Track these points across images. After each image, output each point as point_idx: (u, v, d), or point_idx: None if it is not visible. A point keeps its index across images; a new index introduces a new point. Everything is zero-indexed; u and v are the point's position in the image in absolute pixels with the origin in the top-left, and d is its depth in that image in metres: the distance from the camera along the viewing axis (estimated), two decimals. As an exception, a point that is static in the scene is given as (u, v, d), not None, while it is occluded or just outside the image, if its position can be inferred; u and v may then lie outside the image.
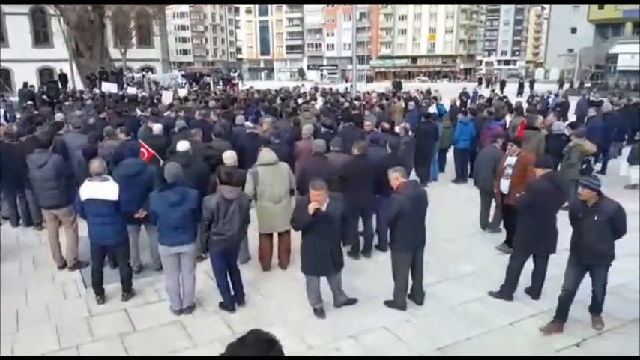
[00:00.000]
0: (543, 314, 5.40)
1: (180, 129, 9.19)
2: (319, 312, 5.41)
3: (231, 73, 44.51)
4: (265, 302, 5.79)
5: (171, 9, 65.28)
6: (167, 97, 20.24)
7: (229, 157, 6.62)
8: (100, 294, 5.77)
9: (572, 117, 16.80)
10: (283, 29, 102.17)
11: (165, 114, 12.68)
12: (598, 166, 11.89)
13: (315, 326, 5.23)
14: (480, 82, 43.96)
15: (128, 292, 5.85)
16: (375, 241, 7.32)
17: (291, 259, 6.67)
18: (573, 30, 55.32)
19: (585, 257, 4.94)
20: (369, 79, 69.28)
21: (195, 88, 30.22)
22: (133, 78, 32.08)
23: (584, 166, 8.92)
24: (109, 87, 25.46)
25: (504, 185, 7.16)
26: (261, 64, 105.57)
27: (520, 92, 35.77)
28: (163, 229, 5.22)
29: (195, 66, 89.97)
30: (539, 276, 5.75)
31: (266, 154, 6.49)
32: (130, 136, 8.26)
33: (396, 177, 5.41)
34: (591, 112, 12.43)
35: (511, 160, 7.12)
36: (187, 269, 5.42)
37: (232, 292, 5.58)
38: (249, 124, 10.55)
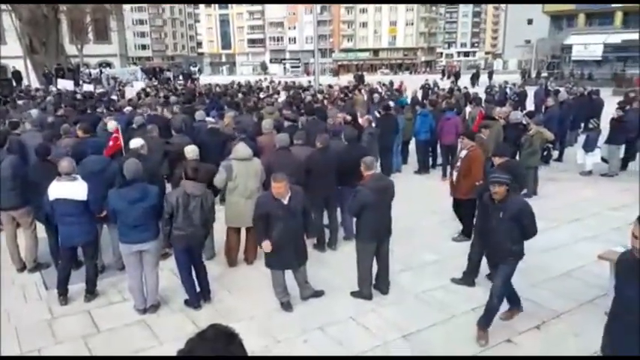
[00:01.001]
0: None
1: (139, 125, 8.99)
2: (286, 305, 5.41)
3: (192, 68, 43.83)
4: (232, 298, 5.76)
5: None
6: (130, 93, 19.80)
7: (191, 151, 6.55)
8: (64, 294, 5.63)
9: (530, 106, 17.28)
10: (244, 23, 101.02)
11: (125, 110, 12.41)
12: (555, 154, 12.32)
13: (282, 320, 5.24)
14: (443, 74, 44.70)
15: (91, 293, 5.72)
16: (342, 232, 7.38)
17: (258, 254, 6.65)
18: (529, 21, 56.80)
19: (491, 255, 4.93)
20: (335, 73, 69.25)
21: (154, 83, 29.60)
22: (89, 74, 31.17)
23: (544, 153, 9.27)
24: (65, 84, 24.65)
25: (454, 177, 7.30)
26: (223, 58, 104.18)
27: (474, 83, 36.46)
28: (124, 227, 5.12)
29: (154, 61, 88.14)
30: (499, 261, 5.90)
31: (241, 149, 6.43)
32: (89, 134, 8.04)
33: (363, 168, 5.50)
34: (549, 101, 12.81)
35: (462, 154, 7.20)
36: (150, 267, 5.33)
37: (198, 289, 5.53)
38: (210, 119, 10.41)
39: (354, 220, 5.83)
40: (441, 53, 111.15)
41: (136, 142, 6.78)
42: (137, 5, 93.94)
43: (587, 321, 5.06)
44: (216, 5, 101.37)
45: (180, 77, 37.82)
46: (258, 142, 8.08)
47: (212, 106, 14.14)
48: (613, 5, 48.07)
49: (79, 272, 5.81)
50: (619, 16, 48.90)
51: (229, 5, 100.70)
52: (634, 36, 36.04)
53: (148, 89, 21.60)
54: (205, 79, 46.27)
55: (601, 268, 5.46)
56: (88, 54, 38.07)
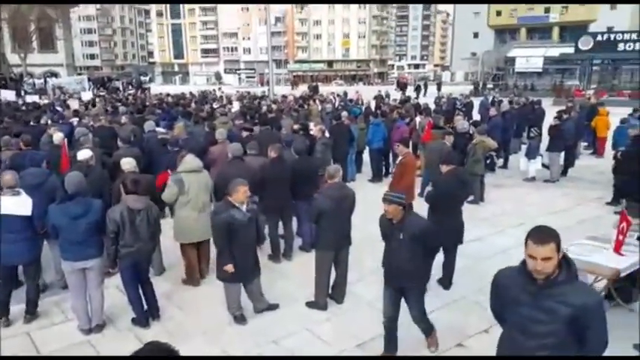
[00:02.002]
0: (454, 303, 5.70)
1: (81, 136, 8.67)
2: (240, 319, 5.30)
3: (142, 77, 42.90)
4: (182, 314, 5.60)
5: (75, 11, 61.59)
6: (75, 104, 19.14)
7: (127, 162, 6.34)
8: (6, 315, 5.31)
9: (476, 116, 17.89)
10: (197, 32, 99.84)
11: (70, 121, 11.98)
12: (500, 162, 12.79)
13: (235, 334, 5.13)
14: (398, 85, 45.74)
15: (32, 314, 5.41)
16: (297, 242, 7.35)
17: (211, 268, 6.51)
18: (475, 35, 59.02)
19: (393, 279, 4.50)
20: (294, 84, 69.10)
21: (102, 93, 28.76)
22: (33, 84, 29.93)
23: (487, 161, 9.60)
24: (6, 94, 23.58)
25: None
26: (176, 68, 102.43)
27: (418, 95, 37.10)
28: (66, 244, 4.89)
29: (103, 70, 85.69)
30: (449, 267, 6.05)
31: (190, 161, 6.26)
32: (31, 146, 7.70)
33: (327, 176, 5.55)
34: (492, 111, 13.32)
35: (398, 160, 7.44)
36: (94, 285, 5.11)
37: (145, 307, 5.34)
38: (160, 129, 10.19)
39: (314, 229, 5.82)
40: (393, 65, 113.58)
41: (84, 154, 6.54)
42: (85, 14, 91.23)
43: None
44: (169, 15, 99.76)
45: (130, 87, 36.90)
46: (210, 153, 7.96)
47: (163, 116, 13.87)
48: (551, 21, 50.85)
49: (18, 292, 5.49)
50: (556, 31, 51.74)
51: (181, 15, 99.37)
52: (570, 50, 38.05)
53: (96, 99, 20.93)
54: (157, 88, 45.38)
55: (545, 271, 5.65)
56: (33, 63, 36.64)
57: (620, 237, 5.19)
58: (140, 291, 5.28)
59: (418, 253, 4.32)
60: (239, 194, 4.97)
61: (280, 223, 7.14)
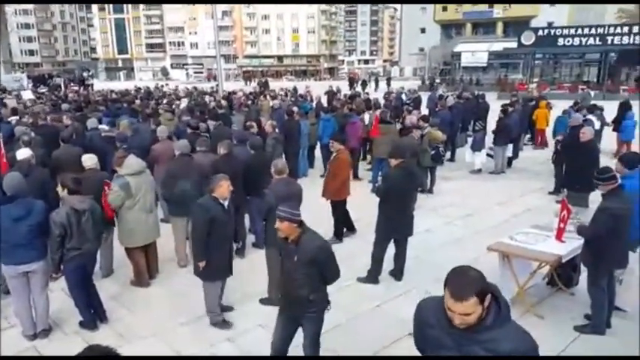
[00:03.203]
0: (406, 293, 5.82)
1: (21, 135, 8.26)
2: (222, 324, 5.10)
3: (84, 74, 41.27)
4: (132, 316, 5.45)
5: (10, 6, 58.15)
6: (12, 102, 18.14)
7: (89, 159, 6.12)
8: None
9: (424, 111, 18.27)
10: (142, 27, 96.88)
11: (9, 119, 11.36)
12: (448, 155, 13.14)
13: (187, 334, 5.05)
14: (349, 81, 46.09)
15: (-31, 322, 5.13)
16: (252, 239, 7.30)
17: (160, 267, 6.38)
18: (423, 30, 60.29)
19: (287, 306, 4.02)
20: (248, 79, 67.35)
21: (43, 91, 27.44)
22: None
23: (433, 152, 9.83)
24: None
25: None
26: (120, 64, 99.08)
27: (364, 89, 37.30)
28: (7, 247, 4.64)
29: (44, 67, 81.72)
30: (400, 258, 6.17)
31: (134, 162, 6.02)
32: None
33: (273, 171, 5.51)
34: (439, 105, 13.66)
35: (332, 157, 7.35)
36: (39, 289, 4.89)
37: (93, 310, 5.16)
38: (104, 126, 9.84)
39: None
40: (343, 60, 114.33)
41: (23, 153, 6.31)
42: (22, 8, 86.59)
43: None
44: (111, 9, 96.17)
45: (72, 84, 35.39)
46: (152, 151, 7.75)
47: (106, 113, 13.40)
48: (495, 16, 52.65)
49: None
50: (500, 27, 53.59)
51: (124, 9, 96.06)
52: (513, 44, 39.53)
53: (36, 97, 19.93)
54: (101, 85, 43.77)
55: (490, 259, 5.86)
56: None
57: (562, 225, 5.45)
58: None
59: (315, 278, 3.79)
60: (222, 189, 4.84)
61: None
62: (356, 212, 7.97)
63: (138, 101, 17.16)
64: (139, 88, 26.24)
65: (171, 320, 5.26)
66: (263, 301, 5.61)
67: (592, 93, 26.17)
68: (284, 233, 3.75)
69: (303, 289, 3.78)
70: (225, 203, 4.93)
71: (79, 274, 4.97)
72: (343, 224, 7.59)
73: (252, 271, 6.22)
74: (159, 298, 5.74)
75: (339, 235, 7.45)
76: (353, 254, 6.75)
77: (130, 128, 9.56)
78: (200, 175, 6.33)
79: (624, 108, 13.66)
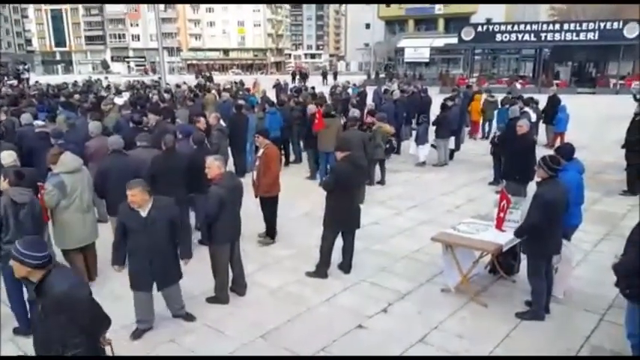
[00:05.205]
0: (354, 286, 5.84)
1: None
2: (135, 334, 4.82)
3: (19, 67, 39.04)
4: (70, 320, 5.17)
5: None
6: None
7: (8, 155, 5.70)
8: None
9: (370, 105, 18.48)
10: (80, 19, 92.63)
11: None
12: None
13: (128, 337, 4.83)
14: (300, 74, 45.84)
15: None
16: (198, 236, 7.07)
17: (99, 269, 6.09)
18: (367, 26, 60.78)
19: None
20: (200, 72, 64.35)
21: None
22: None
23: (387, 146, 10.06)
24: None
25: (254, 176, 7.13)
26: (58, 57, 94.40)
27: (303, 83, 37.02)
28: None
29: (-26, 61, 76.60)
30: (348, 251, 6.18)
31: (69, 160, 5.69)
32: None
33: (218, 165, 5.27)
34: (384, 99, 13.84)
35: (259, 152, 7.07)
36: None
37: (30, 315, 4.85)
38: (39, 122, 9.30)
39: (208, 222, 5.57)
40: (290, 55, 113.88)
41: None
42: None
43: (427, 298, 5.55)
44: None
45: (6, 78, 33.33)
46: (86, 148, 7.40)
47: (42, 108, 12.68)
48: (436, 12, 54.01)
49: None
50: (441, 23, 55.05)
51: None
52: (454, 40, 40.69)
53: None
54: (38, 78, 41.53)
55: (436, 249, 6.00)
56: None
57: (501, 214, 5.63)
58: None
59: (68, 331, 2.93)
60: (132, 198, 4.45)
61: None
62: (304, 206, 7.95)
63: (77, 95, 16.36)
64: (76, 83, 25.03)
65: (115, 323, 4.98)
66: (210, 300, 5.47)
67: (518, 85, 27.56)
68: (19, 274, 2.98)
69: (45, 345, 2.99)
70: (142, 212, 4.53)
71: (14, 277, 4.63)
72: (270, 223, 7.27)
73: (199, 268, 6.03)
74: (101, 301, 5.46)
75: (271, 234, 7.24)
76: (308, 248, 6.72)
77: (67, 123, 9.09)
78: (133, 172, 5.94)
79: (554, 101, 14.35)
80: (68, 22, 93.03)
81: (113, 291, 5.40)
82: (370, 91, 20.51)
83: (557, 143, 11.78)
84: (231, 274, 5.58)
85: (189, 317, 5.12)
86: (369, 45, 57.86)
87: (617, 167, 10.87)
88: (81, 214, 5.66)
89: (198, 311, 5.27)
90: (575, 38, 34.79)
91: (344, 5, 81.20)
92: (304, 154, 11.77)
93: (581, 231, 6.22)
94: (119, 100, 14.96)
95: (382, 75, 44.39)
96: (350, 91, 19.93)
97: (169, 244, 4.73)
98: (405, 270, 6.28)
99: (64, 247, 5.73)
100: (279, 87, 24.30)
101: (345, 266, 6.19)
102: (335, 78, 42.45)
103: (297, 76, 43.89)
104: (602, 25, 34.31)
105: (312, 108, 10.89)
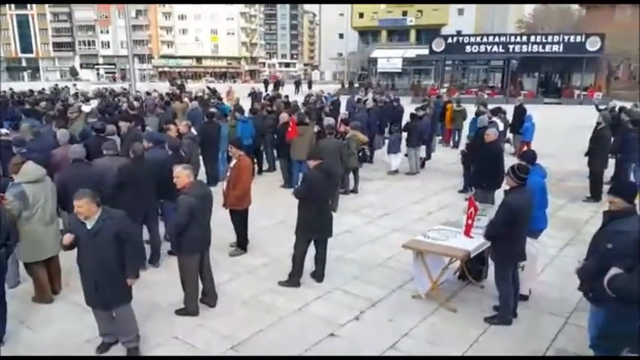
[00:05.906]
0: (327, 295, 5.83)
1: None
2: (100, 348, 4.68)
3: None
4: (34, 335, 5.00)
5: None
6: None
7: None
8: None
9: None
10: (48, 25, 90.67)
11: None
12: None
13: (94, 351, 4.69)
14: (265, 84, 45.70)
15: None
16: (167, 247, 6.95)
17: (63, 282, 5.92)
18: (341, 36, 61.50)
19: None
20: (174, 79, 62.97)
21: None
22: None
23: (360, 154, 10.18)
24: None
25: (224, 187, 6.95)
26: (24, 63, 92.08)
27: (266, 89, 36.65)
28: None
29: None
30: (321, 260, 6.17)
31: (32, 169, 5.52)
32: None
33: (187, 174, 5.17)
34: (357, 108, 13.96)
35: (232, 163, 6.95)
36: None
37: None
38: (2, 130, 9.05)
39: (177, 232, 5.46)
40: (264, 63, 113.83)
41: None
42: None
43: (398, 305, 5.58)
44: (13, 5, 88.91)
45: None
46: (52, 156, 7.21)
47: (6, 115, 12.35)
48: (408, 24, 54.96)
49: None
50: (413, 34, 56.03)
51: (29, 5, 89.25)
52: (425, 51, 41.37)
53: None
54: (2, 85, 40.27)
55: (407, 256, 6.05)
56: None
57: (470, 221, 5.72)
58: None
59: None
60: (78, 209, 4.21)
61: (145, 228, 6.70)
62: (278, 214, 7.91)
63: (43, 103, 15.96)
64: (42, 90, 24.43)
65: (77, 337, 4.88)
66: (179, 312, 5.36)
67: (485, 95, 28.27)
68: None
69: None
70: (88, 224, 4.27)
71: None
72: (241, 235, 7.16)
73: (167, 280, 5.94)
74: (65, 314, 5.33)
75: (242, 246, 7.15)
76: (282, 257, 6.67)
77: (32, 132, 8.84)
78: (95, 182, 5.75)
79: (520, 111, 14.73)
80: (35, 28, 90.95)
81: (77, 304, 5.25)
82: (344, 100, 20.63)
83: (525, 152, 12.05)
84: (201, 285, 5.49)
85: (135, 351, 4.63)
86: (342, 55, 58.40)
87: (581, 175, 11.18)
88: (44, 226, 5.49)
89: (167, 324, 5.17)
90: (541, 50, 35.82)
91: (318, 15, 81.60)
92: (277, 163, 11.74)
93: (546, 236, 6.39)
94: (86, 108, 14.63)
95: (356, 85, 44.71)
96: (324, 99, 20.00)
97: (116, 260, 4.34)
98: (377, 277, 6.30)
99: (26, 260, 5.56)
100: (254, 95, 24.21)
101: (318, 275, 6.18)
102: (309, 87, 42.62)
103: (270, 85, 43.87)
104: (566, 38, 35.48)
105: (284, 116, 10.89)
